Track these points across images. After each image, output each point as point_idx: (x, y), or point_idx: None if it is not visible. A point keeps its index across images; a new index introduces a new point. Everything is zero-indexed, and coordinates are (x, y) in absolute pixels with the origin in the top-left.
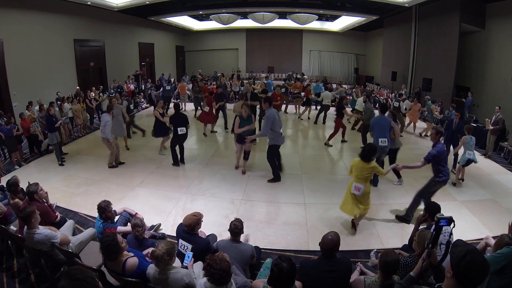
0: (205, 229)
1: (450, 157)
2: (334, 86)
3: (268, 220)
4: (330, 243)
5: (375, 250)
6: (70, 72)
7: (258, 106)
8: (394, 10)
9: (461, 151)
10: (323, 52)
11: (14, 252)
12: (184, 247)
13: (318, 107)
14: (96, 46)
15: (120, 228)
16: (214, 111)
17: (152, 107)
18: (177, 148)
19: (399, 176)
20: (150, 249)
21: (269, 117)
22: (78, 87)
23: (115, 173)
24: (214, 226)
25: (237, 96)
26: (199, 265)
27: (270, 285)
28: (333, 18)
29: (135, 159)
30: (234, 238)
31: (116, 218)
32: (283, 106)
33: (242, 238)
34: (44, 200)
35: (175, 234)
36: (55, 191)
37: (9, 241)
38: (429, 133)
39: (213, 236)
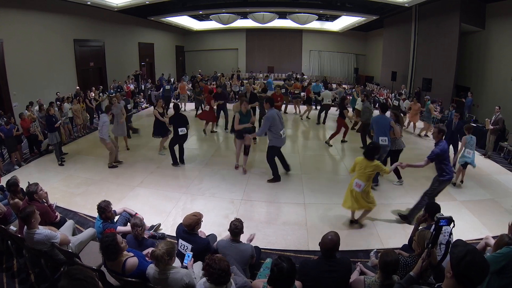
0: (205, 229)
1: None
2: (334, 86)
3: (268, 220)
4: (330, 243)
5: (375, 250)
6: (70, 72)
7: (257, 107)
8: (394, 10)
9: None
10: (323, 52)
11: (14, 252)
12: (184, 247)
13: (318, 107)
14: (96, 46)
15: (120, 228)
16: (214, 110)
17: (152, 107)
18: (176, 148)
19: (399, 176)
20: (150, 249)
21: (268, 118)
22: (78, 87)
23: (115, 173)
24: (214, 226)
25: (236, 96)
26: (199, 265)
27: (270, 285)
28: (333, 18)
29: (135, 159)
30: (234, 238)
31: (116, 218)
32: (283, 106)
33: (245, 237)
34: (44, 200)
35: (175, 234)
36: (55, 191)
37: (9, 241)
38: (429, 133)
39: (213, 236)
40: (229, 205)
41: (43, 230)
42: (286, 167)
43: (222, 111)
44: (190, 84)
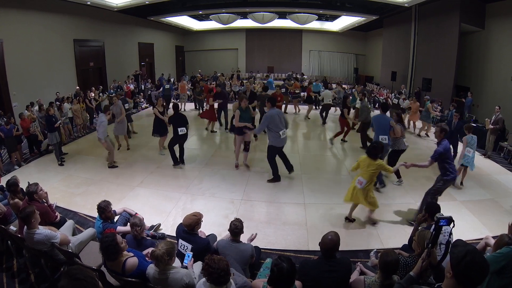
0: (205, 229)
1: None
2: (334, 86)
3: (268, 220)
4: (330, 243)
5: (375, 250)
6: (70, 72)
7: (257, 107)
8: (394, 10)
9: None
10: (322, 52)
11: (14, 252)
12: (184, 247)
13: (319, 107)
14: (96, 46)
15: (120, 228)
16: (215, 110)
17: (152, 107)
18: (176, 148)
19: (399, 176)
20: (150, 249)
21: (267, 117)
22: (78, 87)
23: (115, 173)
24: (214, 226)
25: (236, 96)
26: (199, 265)
27: (270, 285)
28: (332, 18)
29: (135, 159)
30: (234, 238)
31: (116, 218)
32: (283, 106)
33: (246, 237)
34: (44, 200)
35: (175, 234)
36: (55, 191)
37: (9, 241)
38: (429, 133)
39: (213, 236)
40: (229, 205)
41: (43, 230)
42: (289, 168)
43: (222, 112)
44: (190, 84)
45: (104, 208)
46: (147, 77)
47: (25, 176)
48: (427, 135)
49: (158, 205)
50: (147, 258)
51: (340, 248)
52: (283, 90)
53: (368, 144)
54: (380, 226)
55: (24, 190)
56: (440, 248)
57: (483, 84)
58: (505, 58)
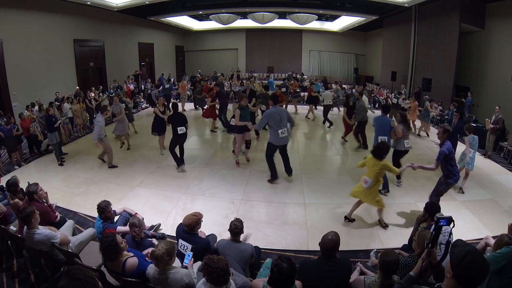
0: (205, 229)
1: None
2: (334, 86)
3: (268, 220)
4: (330, 243)
5: (375, 250)
6: (69, 72)
7: (256, 105)
8: (394, 10)
9: (461, 149)
10: (322, 52)
11: (14, 252)
12: (184, 247)
13: (318, 107)
14: (96, 46)
15: (120, 228)
16: (215, 109)
17: (151, 106)
18: (176, 149)
19: (398, 176)
20: (150, 249)
21: (266, 114)
22: (77, 87)
23: (115, 173)
24: (214, 226)
25: (236, 96)
26: (199, 265)
27: (270, 285)
28: (332, 18)
29: (135, 159)
30: (234, 238)
31: (116, 218)
32: (283, 106)
33: (241, 237)
34: (44, 200)
35: (175, 234)
36: (55, 191)
37: (9, 241)
38: (429, 132)
39: (213, 236)
40: (229, 205)
41: (43, 230)
42: (288, 171)
43: (222, 112)
44: (190, 84)
45: (104, 208)
46: (147, 77)
47: (25, 176)
48: (427, 135)
49: (158, 205)
50: (147, 258)
51: (340, 248)
52: (284, 89)
53: (358, 141)
54: (380, 226)
55: (24, 190)
56: (440, 248)
57: (483, 84)
58: (505, 58)
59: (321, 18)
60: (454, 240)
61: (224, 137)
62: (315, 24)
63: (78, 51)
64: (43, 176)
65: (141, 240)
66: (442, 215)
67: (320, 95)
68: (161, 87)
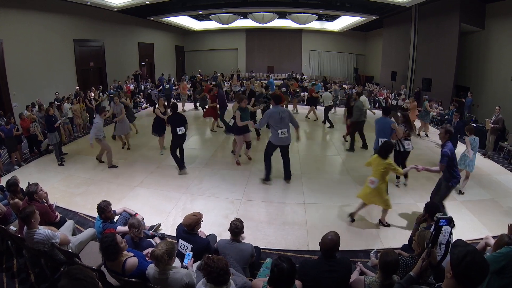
0: (205, 229)
1: None
2: (333, 86)
3: (268, 220)
4: (330, 243)
5: (375, 250)
6: (69, 72)
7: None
8: (394, 10)
9: (461, 149)
10: (322, 52)
11: (14, 252)
12: (184, 247)
13: (320, 108)
14: (96, 46)
15: (120, 228)
16: (216, 108)
17: (152, 107)
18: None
19: (398, 176)
20: (150, 249)
21: (267, 113)
22: (77, 87)
23: (115, 173)
24: (214, 226)
25: (236, 97)
26: (197, 264)
27: (270, 285)
28: (332, 18)
29: (135, 159)
30: (234, 238)
31: (116, 218)
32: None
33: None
34: (44, 200)
35: (175, 234)
36: (55, 191)
37: (9, 241)
38: (427, 132)
39: (213, 236)
40: (229, 205)
41: (43, 230)
42: (287, 176)
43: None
44: (190, 84)
45: (104, 208)
46: (147, 77)
47: (25, 176)
48: (427, 135)
49: (158, 205)
50: (147, 258)
51: (340, 248)
52: (284, 89)
53: (352, 141)
54: (380, 226)
55: (24, 190)
56: (440, 248)
57: (483, 84)
58: (505, 58)
59: (321, 18)
60: (454, 240)
61: (224, 137)
62: (315, 24)
63: (78, 51)
64: (43, 176)
65: (140, 240)
66: (442, 215)
67: (320, 96)
68: (161, 87)
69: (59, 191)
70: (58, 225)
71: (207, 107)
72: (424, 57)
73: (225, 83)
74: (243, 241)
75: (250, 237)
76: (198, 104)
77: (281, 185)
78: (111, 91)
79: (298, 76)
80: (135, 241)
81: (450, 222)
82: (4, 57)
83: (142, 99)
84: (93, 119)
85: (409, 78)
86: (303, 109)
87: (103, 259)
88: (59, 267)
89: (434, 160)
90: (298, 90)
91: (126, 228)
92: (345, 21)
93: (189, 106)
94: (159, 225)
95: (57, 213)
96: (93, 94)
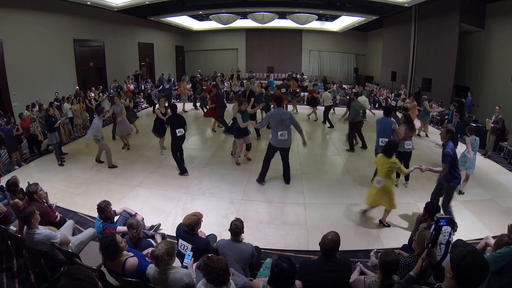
0: (205, 229)
1: None
2: (334, 87)
3: (268, 220)
4: (330, 243)
5: (375, 250)
6: (69, 72)
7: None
8: (394, 10)
9: (461, 149)
10: (322, 52)
11: (14, 252)
12: (184, 247)
13: (321, 108)
14: (96, 46)
15: (120, 228)
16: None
17: (152, 107)
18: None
19: (397, 175)
20: (150, 249)
21: (268, 114)
22: (77, 87)
23: (115, 173)
24: (214, 226)
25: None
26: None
27: (270, 285)
28: (332, 18)
29: (135, 159)
30: (234, 238)
31: (116, 218)
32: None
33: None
34: (44, 200)
35: (175, 234)
36: (55, 191)
37: (9, 241)
38: (427, 132)
39: (213, 236)
40: (229, 205)
41: (43, 230)
42: (286, 179)
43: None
44: (190, 85)
45: (104, 208)
46: (147, 77)
47: (25, 176)
48: (427, 135)
49: (158, 205)
50: (147, 258)
51: (340, 248)
52: (283, 90)
53: (351, 142)
54: (380, 226)
55: (24, 190)
56: (440, 248)
57: (483, 84)
58: (505, 58)
59: (321, 18)
60: (454, 240)
61: (224, 137)
62: (315, 24)
63: (78, 51)
64: (43, 176)
65: (139, 240)
66: (442, 215)
67: (320, 96)
68: (161, 87)
69: (59, 191)
70: (58, 225)
71: (208, 107)
72: (424, 57)
73: (225, 83)
74: (246, 241)
75: (250, 237)
76: (198, 104)
77: (281, 185)
78: (111, 91)
79: (298, 76)
80: (133, 241)
81: (451, 223)
82: (4, 57)
83: (142, 99)
84: (93, 119)
85: (409, 78)
86: (303, 109)
87: (103, 259)
88: (59, 267)
89: (434, 160)
90: (298, 90)
91: (126, 228)
92: (345, 21)
93: (189, 106)
94: (159, 225)
95: (57, 213)
96: (93, 94)
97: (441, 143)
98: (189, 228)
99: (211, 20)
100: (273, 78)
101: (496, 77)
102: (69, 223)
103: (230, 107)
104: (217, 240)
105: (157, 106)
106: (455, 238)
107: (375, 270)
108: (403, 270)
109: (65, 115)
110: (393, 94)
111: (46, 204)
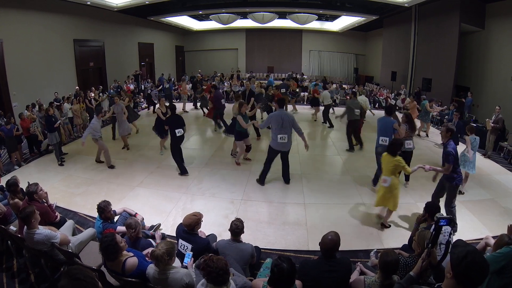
0: (205, 229)
1: None
2: (334, 86)
3: (268, 220)
4: (330, 243)
5: (375, 250)
6: (69, 72)
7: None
8: (394, 10)
9: (461, 149)
10: (322, 52)
11: (14, 252)
12: (184, 247)
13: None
14: (96, 46)
15: (120, 228)
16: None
17: (152, 107)
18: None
19: (406, 178)
20: (150, 249)
21: (270, 116)
22: (77, 87)
23: (115, 173)
24: (214, 226)
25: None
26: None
27: (270, 285)
28: (332, 18)
29: (135, 159)
30: (234, 238)
31: (116, 218)
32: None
33: (246, 238)
34: (44, 200)
35: (175, 234)
36: (55, 191)
37: (9, 241)
38: (428, 132)
39: (213, 236)
40: (229, 205)
41: (43, 230)
42: (285, 179)
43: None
44: (190, 85)
45: (104, 208)
46: (147, 77)
47: (25, 176)
48: (427, 135)
49: (158, 205)
50: (147, 258)
51: (340, 248)
52: (283, 90)
53: (350, 141)
54: (380, 226)
55: (24, 190)
56: (440, 248)
57: (483, 84)
58: (505, 58)
59: (321, 18)
60: (454, 240)
61: (224, 137)
62: (315, 24)
63: (78, 51)
64: (43, 176)
65: (137, 240)
66: (442, 215)
67: (320, 95)
68: (161, 87)
69: (59, 191)
70: (58, 225)
71: (209, 107)
72: (424, 57)
73: (225, 83)
74: (246, 241)
75: (250, 237)
76: (199, 104)
77: (281, 185)
78: (111, 91)
79: (298, 76)
80: (132, 241)
81: (451, 223)
82: (4, 57)
83: (142, 99)
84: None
85: (409, 78)
86: (303, 109)
87: (103, 259)
88: (59, 267)
89: (434, 160)
90: (297, 90)
91: (125, 228)
92: (345, 21)
93: (189, 106)
94: (159, 225)
95: (57, 213)
96: (93, 94)
97: (440, 142)
98: (189, 228)
99: (211, 20)
100: (273, 78)
101: (496, 77)
102: (69, 223)
103: (230, 107)
104: (217, 240)
105: (157, 106)
106: (455, 238)
107: (375, 270)
108: (403, 270)
109: (65, 115)
110: (393, 94)
111: (46, 204)
